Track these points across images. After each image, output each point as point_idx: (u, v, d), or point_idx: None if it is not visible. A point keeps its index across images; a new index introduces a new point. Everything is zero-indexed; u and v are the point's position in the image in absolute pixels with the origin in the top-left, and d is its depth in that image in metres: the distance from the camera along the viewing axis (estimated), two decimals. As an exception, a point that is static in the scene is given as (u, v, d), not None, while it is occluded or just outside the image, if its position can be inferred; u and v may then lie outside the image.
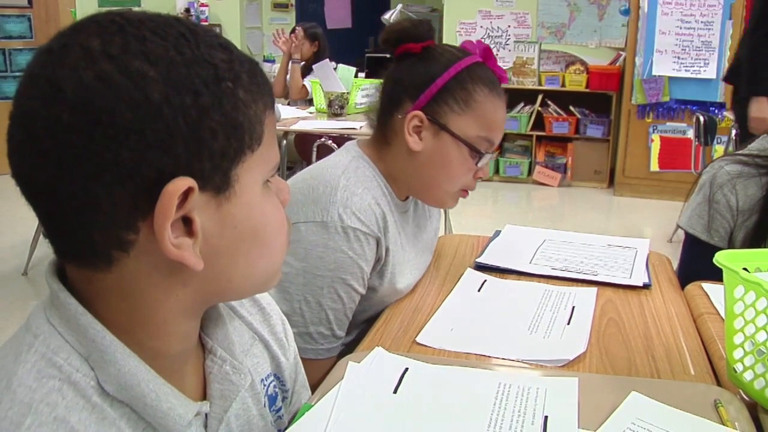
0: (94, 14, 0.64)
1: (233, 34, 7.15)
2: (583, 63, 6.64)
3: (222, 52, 0.66)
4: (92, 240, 0.63)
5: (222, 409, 0.77)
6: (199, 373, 0.78)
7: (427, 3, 9.46)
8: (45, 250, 4.15)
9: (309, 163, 4.14)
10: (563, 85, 6.67)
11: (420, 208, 1.55)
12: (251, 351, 0.88)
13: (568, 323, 1.34)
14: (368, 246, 1.32)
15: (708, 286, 1.51)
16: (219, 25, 7.15)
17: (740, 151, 1.74)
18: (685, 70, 6.05)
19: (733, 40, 5.91)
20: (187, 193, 0.62)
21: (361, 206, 1.32)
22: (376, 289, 1.40)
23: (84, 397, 0.64)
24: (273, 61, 6.89)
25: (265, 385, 0.88)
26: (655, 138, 6.27)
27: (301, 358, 1.03)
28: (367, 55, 7.03)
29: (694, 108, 6.00)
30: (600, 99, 6.59)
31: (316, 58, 5.01)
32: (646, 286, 1.53)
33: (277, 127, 0.72)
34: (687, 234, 1.75)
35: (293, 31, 5.42)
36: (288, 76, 5.31)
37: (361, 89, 4.68)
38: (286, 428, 0.93)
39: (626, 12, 6.44)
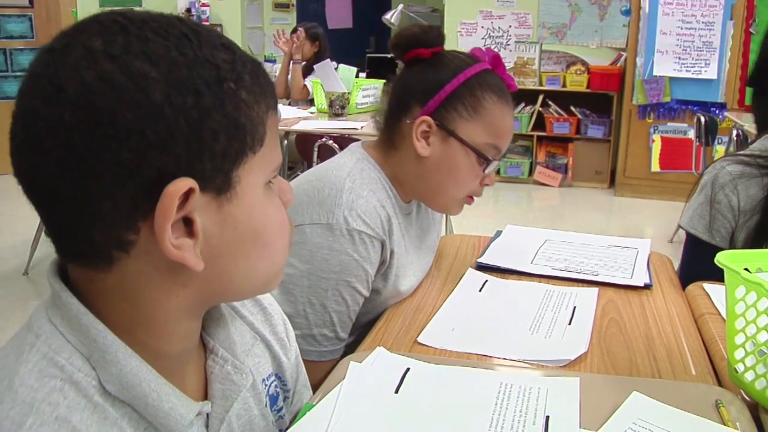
0: (96, 14, 0.64)
1: (234, 34, 7.15)
2: (584, 63, 6.64)
3: (224, 52, 0.66)
4: (93, 239, 0.63)
5: (223, 409, 0.77)
6: (200, 373, 0.78)
7: (428, 3, 9.46)
8: (46, 250, 4.16)
9: (310, 163, 4.14)
10: (564, 86, 6.67)
11: (423, 210, 1.55)
12: (253, 351, 0.87)
13: (570, 323, 1.34)
14: (373, 249, 1.32)
15: (709, 287, 1.51)
16: (220, 25, 7.15)
17: (742, 152, 1.74)
18: (686, 71, 6.05)
19: (734, 40, 5.91)
20: (188, 194, 0.62)
21: (366, 209, 1.31)
22: (379, 291, 1.40)
23: (86, 396, 0.64)
24: (274, 61, 6.89)
25: (266, 385, 0.88)
26: (656, 138, 6.28)
27: (304, 359, 1.03)
28: (368, 55, 7.05)
29: (695, 108, 6.01)
30: (601, 99, 6.59)
31: (317, 58, 5.01)
32: (647, 287, 1.53)
33: (278, 127, 0.72)
34: (688, 234, 1.74)
35: (294, 31, 5.42)
36: (289, 77, 5.31)
37: (362, 89, 4.68)
38: (287, 428, 0.93)
39: (627, 12, 6.44)
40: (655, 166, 6.31)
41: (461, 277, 1.56)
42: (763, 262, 1.12)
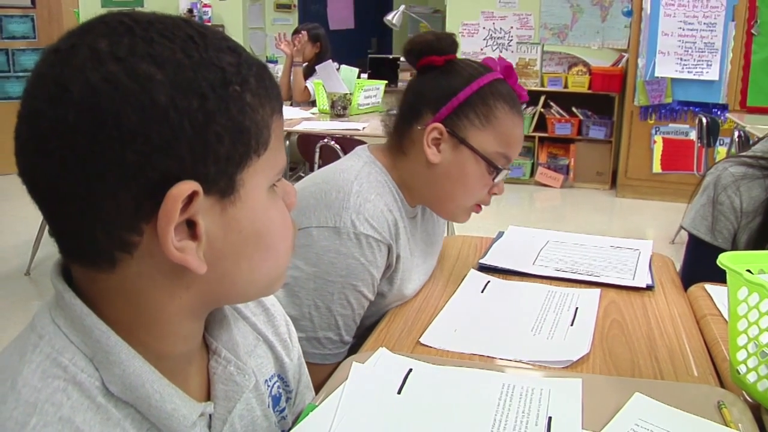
0: (102, 15, 0.64)
1: (236, 35, 7.14)
2: (585, 64, 6.64)
3: (230, 55, 0.66)
4: (96, 240, 0.63)
5: (226, 409, 0.77)
6: (203, 374, 0.78)
7: (429, 4, 9.46)
8: (47, 250, 4.16)
9: (311, 164, 4.15)
10: (566, 87, 6.67)
11: (428, 214, 1.55)
12: (255, 352, 0.87)
13: (572, 324, 1.34)
14: (380, 253, 1.32)
15: (711, 288, 1.51)
16: (222, 26, 7.15)
17: (744, 153, 1.74)
18: (688, 72, 6.05)
19: (736, 41, 5.91)
20: (191, 197, 0.62)
21: (373, 213, 1.31)
22: (384, 294, 1.40)
23: (89, 397, 0.64)
24: (276, 62, 6.89)
25: (269, 386, 0.88)
26: (658, 139, 6.27)
27: (307, 362, 1.03)
28: (370, 55, 7.05)
29: (696, 109, 6.01)
30: (602, 100, 6.59)
31: (318, 59, 5.01)
32: (649, 288, 1.53)
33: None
34: (690, 235, 1.75)
35: (295, 32, 5.42)
36: (291, 79, 5.31)
37: (363, 90, 4.68)
38: (290, 429, 0.93)
39: (629, 13, 6.44)
40: (657, 167, 6.31)
41: (463, 278, 1.56)
42: (765, 264, 1.12)
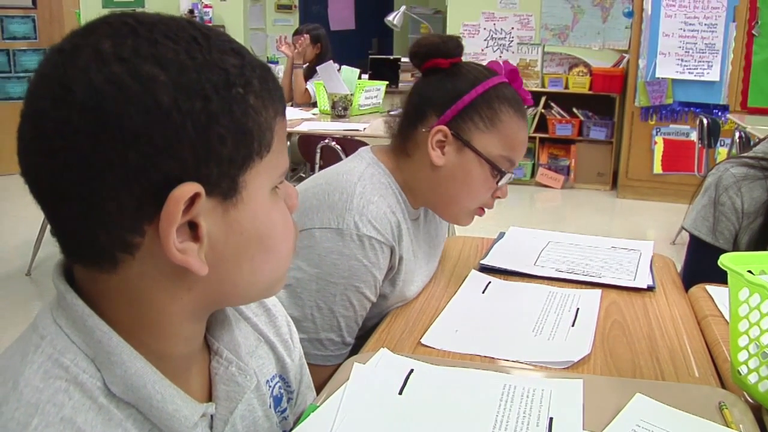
0: (106, 15, 0.64)
1: (237, 36, 7.15)
2: (586, 65, 6.64)
3: (234, 57, 0.66)
4: (97, 241, 0.63)
5: (228, 410, 0.77)
6: (204, 375, 0.78)
7: (430, 5, 9.46)
8: (48, 250, 4.16)
9: (312, 164, 4.15)
10: (566, 87, 6.67)
11: (430, 216, 1.55)
12: (256, 352, 0.88)
13: (573, 325, 1.34)
14: (382, 255, 1.32)
15: (712, 289, 1.51)
16: (223, 26, 7.15)
17: (746, 154, 1.75)
18: (689, 73, 6.05)
19: (737, 42, 5.91)
20: (193, 199, 0.62)
21: (377, 214, 1.31)
22: (386, 296, 1.40)
23: (90, 398, 0.64)
24: (276, 63, 6.90)
25: (270, 386, 0.88)
26: (659, 140, 6.27)
27: (309, 363, 1.03)
28: (371, 56, 7.04)
29: (697, 110, 6.01)
30: (603, 101, 6.59)
31: (319, 59, 5.01)
32: (650, 289, 1.53)
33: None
34: (692, 236, 1.75)
35: (296, 33, 5.42)
36: (292, 80, 5.31)
37: (364, 91, 4.68)
38: (291, 429, 0.93)
39: (630, 14, 6.44)
40: (658, 168, 6.31)
41: (464, 279, 1.56)
42: (766, 264, 1.12)
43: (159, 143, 0.60)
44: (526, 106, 1.41)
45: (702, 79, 6.03)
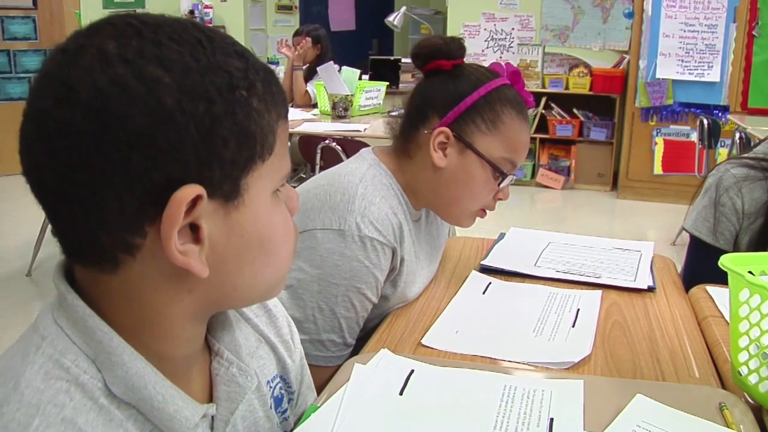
0: (110, 16, 0.64)
1: (237, 36, 7.12)
2: (586, 66, 6.64)
3: (238, 59, 0.66)
4: (99, 241, 0.63)
5: (228, 411, 0.77)
6: (205, 376, 0.78)
7: (431, 5, 9.47)
8: (49, 251, 4.16)
9: (313, 165, 4.15)
10: (567, 88, 6.67)
11: (432, 217, 1.55)
12: (257, 353, 0.88)
13: (573, 326, 1.34)
14: (384, 256, 1.32)
15: (713, 289, 1.51)
16: (223, 27, 7.15)
17: (746, 155, 1.75)
18: (689, 73, 6.05)
19: (737, 43, 5.91)
20: (195, 201, 0.62)
21: (378, 216, 1.31)
22: (388, 297, 1.40)
23: (91, 398, 0.64)
24: (277, 63, 6.90)
25: (271, 387, 0.88)
26: (659, 141, 6.27)
27: (310, 364, 1.03)
28: (371, 57, 7.04)
29: (697, 111, 6.01)
30: (604, 102, 6.59)
31: (319, 60, 5.01)
32: (650, 289, 1.53)
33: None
34: (692, 237, 1.75)
35: (296, 33, 5.42)
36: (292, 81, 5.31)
37: (364, 91, 4.68)
38: (292, 430, 0.93)
39: (630, 15, 6.44)
40: (658, 169, 6.31)
41: (465, 280, 1.56)
42: (767, 265, 1.12)
43: (162, 145, 0.60)
44: (528, 108, 1.41)
45: (702, 79, 6.03)
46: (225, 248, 0.67)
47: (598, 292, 1.49)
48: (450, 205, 1.42)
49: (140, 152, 0.59)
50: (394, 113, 1.48)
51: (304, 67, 5.23)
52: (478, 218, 1.47)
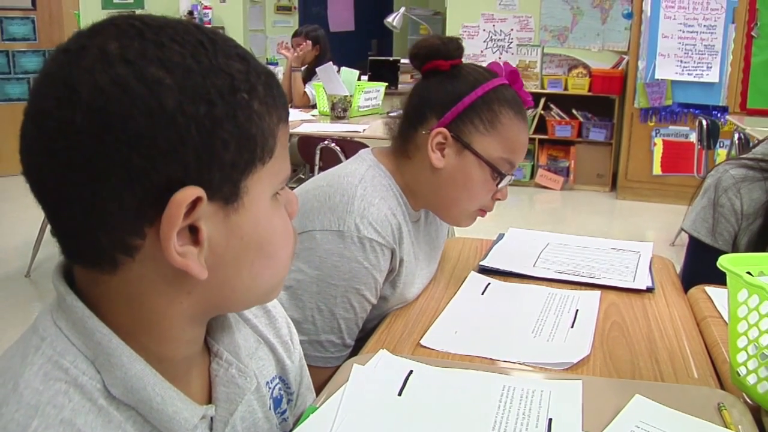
0: (113, 17, 0.64)
1: (236, 37, 7.10)
2: (585, 66, 6.64)
3: (239, 62, 0.66)
4: (98, 242, 0.63)
5: (228, 412, 0.77)
6: (204, 377, 0.78)
7: (430, 6, 9.47)
8: (48, 251, 4.16)
9: (312, 166, 4.15)
10: (566, 89, 6.67)
11: (431, 217, 1.55)
12: (256, 354, 0.88)
13: (572, 326, 1.34)
14: (383, 257, 1.33)
15: (711, 290, 1.51)
16: (222, 28, 7.15)
17: (745, 155, 1.75)
18: (688, 74, 6.05)
19: (736, 43, 5.92)
20: (195, 202, 0.62)
21: (377, 217, 1.31)
22: (387, 298, 1.40)
23: (90, 399, 0.64)
24: (276, 64, 6.90)
25: (270, 388, 0.88)
26: (658, 141, 6.28)
27: (309, 365, 1.03)
28: (370, 57, 7.04)
29: (696, 112, 6.01)
30: (603, 102, 6.60)
31: (318, 61, 5.01)
32: (649, 290, 1.53)
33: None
34: (691, 237, 1.75)
35: (295, 34, 5.42)
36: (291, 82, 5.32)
37: (364, 92, 4.68)
38: (291, 430, 0.93)
39: (629, 15, 6.45)
40: (657, 170, 6.31)
41: (464, 280, 1.57)
42: (765, 266, 1.12)
43: (162, 146, 0.60)
44: (526, 108, 1.41)
45: (701, 80, 6.04)
46: (224, 250, 0.67)
47: (597, 293, 1.50)
48: (449, 205, 1.42)
49: (140, 153, 0.60)
50: (393, 114, 1.48)
51: (302, 69, 5.23)
52: (477, 219, 1.47)
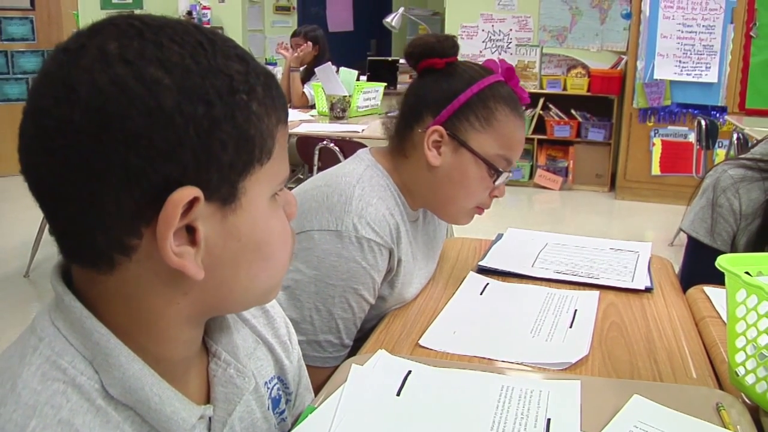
0: (113, 16, 0.64)
1: (235, 37, 7.08)
2: (584, 66, 6.64)
3: (239, 63, 0.66)
4: (95, 241, 0.63)
5: (226, 412, 0.77)
6: (202, 377, 0.78)
7: (429, 6, 9.47)
8: (47, 251, 4.16)
9: (311, 166, 4.15)
10: (565, 89, 6.68)
11: (429, 217, 1.55)
12: (255, 354, 0.88)
13: (571, 326, 1.34)
14: (381, 257, 1.33)
15: (710, 290, 1.51)
16: (221, 28, 7.15)
17: (743, 155, 1.75)
18: (687, 74, 6.05)
19: (735, 44, 5.92)
20: (192, 203, 0.62)
21: (375, 217, 1.31)
22: (385, 298, 1.40)
23: (88, 400, 0.64)
24: (275, 64, 6.90)
25: (268, 388, 0.88)
26: (657, 142, 6.28)
27: (308, 365, 1.03)
28: (369, 58, 7.04)
29: (695, 112, 6.01)
30: (601, 102, 6.60)
31: (317, 61, 5.01)
32: (648, 290, 1.53)
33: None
34: (690, 237, 1.75)
35: (294, 34, 5.42)
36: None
37: (363, 92, 4.68)
38: (289, 431, 0.93)
39: (628, 16, 6.45)
40: (656, 170, 6.31)
41: (462, 280, 1.56)
42: (764, 266, 1.12)
43: (160, 146, 0.60)
44: (523, 105, 1.41)
45: (700, 80, 6.04)
46: (221, 251, 0.67)
47: (596, 293, 1.50)
48: (446, 203, 1.42)
49: (138, 153, 0.60)
50: (391, 114, 1.49)
51: (301, 69, 5.23)
52: (475, 218, 1.47)
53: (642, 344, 1.28)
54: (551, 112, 6.74)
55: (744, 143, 4.56)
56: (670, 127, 6.23)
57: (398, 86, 6.27)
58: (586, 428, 0.97)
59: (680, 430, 0.97)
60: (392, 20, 5.80)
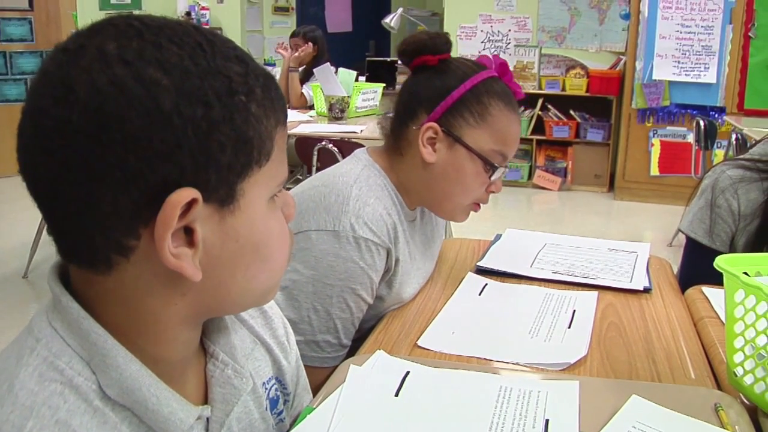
0: (113, 17, 0.64)
1: (234, 38, 7.03)
2: (583, 67, 6.65)
3: (238, 64, 0.66)
4: (93, 242, 0.63)
5: (224, 413, 0.77)
6: (200, 377, 0.78)
7: (427, 7, 9.47)
8: (45, 252, 4.16)
9: (310, 167, 4.14)
10: (563, 89, 6.68)
11: (427, 216, 1.55)
12: (253, 354, 0.87)
13: (569, 327, 1.34)
14: (379, 257, 1.33)
15: (708, 290, 1.51)
16: (220, 29, 7.14)
17: (742, 156, 1.75)
18: (686, 75, 6.06)
19: (733, 44, 5.92)
20: (190, 204, 0.62)
21: (373, 216, 1.31)
22: (383, 298, 1.40)
23: (86, 400, 0.64)
24: (274, 65, 6.90)
25: (266, 389, 0.88)
26: (655, 142, 6.28)
27: (306, 365, 1.03)
28: (368, 58, 7.04)
29: (694, 112, 6.02)
30: (600, 103, 6.60)
31: (316, 62, 5.01)
32: (646, 290, 1.53)
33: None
34: (688, 238, 1.75)
35: (293, 35, 5.42)
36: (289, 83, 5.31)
37: (361, 93, 4.69)
38: (288, 431, 0.93)
39: (626, 16, 6.45)
40: (655, 170, 6.31)
41: (461, 281, 1.56)
42: (762, 266, 1.12)
43: (158, 147, 0.60)
44: (517, 99, 1.41)
45: (699, 81, 6.04)
46: (219, 253, 0.67)
47: (594, 293, 1.50)
48: (442, 200, 1.42)
49: (136, 154, 0.59)
50: (389, 114, 1.49)
51: (300, 69, 5.23)
52: (474, 219, 1.47)
53: (640, 345, 1.28)
54: (550, 113, 6.74)
55: (743, 144, 4.57)
56: (668, 128, 6.23)
57: (397, 87, 6.26)
58: (585, 429, 0.97)
59: (679, 430, 0.97)
60: (391, 21, 5.80)
